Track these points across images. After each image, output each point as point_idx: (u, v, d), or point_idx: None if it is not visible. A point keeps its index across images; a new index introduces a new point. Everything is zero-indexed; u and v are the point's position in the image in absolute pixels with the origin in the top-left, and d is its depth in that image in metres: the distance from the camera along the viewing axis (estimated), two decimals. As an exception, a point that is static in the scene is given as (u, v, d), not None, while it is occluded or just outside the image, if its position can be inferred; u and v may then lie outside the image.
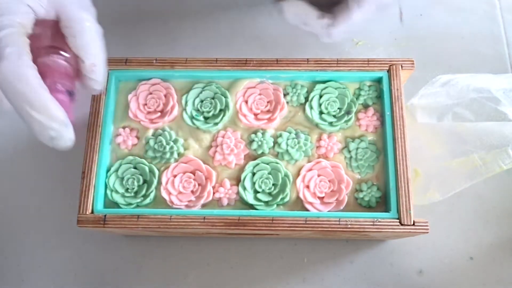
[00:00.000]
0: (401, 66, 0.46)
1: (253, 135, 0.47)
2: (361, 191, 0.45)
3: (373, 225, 0.42)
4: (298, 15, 0.44)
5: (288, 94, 0.48)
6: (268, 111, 0.48)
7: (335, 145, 0.46)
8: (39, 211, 0.57)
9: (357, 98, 0.48)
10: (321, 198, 0.45)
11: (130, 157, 0.47)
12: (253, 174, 0.46)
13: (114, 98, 0.48)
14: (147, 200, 0.45)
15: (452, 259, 0.53)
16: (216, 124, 0.47)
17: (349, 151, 0.46)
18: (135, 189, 0.46)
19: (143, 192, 0.45)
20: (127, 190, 0.46)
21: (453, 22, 0.63)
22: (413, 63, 0.47)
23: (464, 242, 0.54)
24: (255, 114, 0.48)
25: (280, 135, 0.47)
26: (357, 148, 0.46)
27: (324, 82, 0.48)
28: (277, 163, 0.46)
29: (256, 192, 0.45)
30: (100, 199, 0.45)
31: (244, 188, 0.45)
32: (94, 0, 0.66)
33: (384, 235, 0.46)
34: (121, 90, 0.49)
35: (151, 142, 0.47)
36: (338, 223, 0.42)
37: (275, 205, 0.45)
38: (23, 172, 0.58)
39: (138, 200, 0.45)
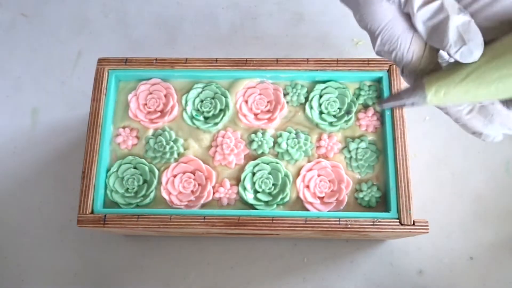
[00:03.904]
0: (401, 66, 0.46)
1: (253, 135, 0.47)
2: (361, 191, 0.45)
3: (373, 225, 0.42)
4: None
5: (288, 94, 0.48)
6: (268, 111, 0.48)
7: (335, 145, 0.46)
8: (39, 211, 0.57)
9: (357, 98, 0.48)
10: (321, 198, 0.45)
11: (130, 157, 0.47)
12: (253, 174, 0.46)
13: (114, 98, 0.48)
14: (147, 200, 0.45)
15: (452, 259, 0.53)
16: (216, 124, 0.47)
17: (349, 151, 0.46)
18: (135, 189, 0.46)
19: (143, 192, 0.45)
20: (127, 190, 0.46)
21: (453, 22, 0.63)
22: (413, 63, 0.47)
23: (464, 242, 0.54)
24: (255, 114, 0.48)
25: (280, 135, 0.47)
26: (357, 148, 0.46)
27: (324, 82, 0.48)
28: (277, 163, 0.46)
29: (256, 192, 0.45)
30: (100, 199, 0.45)
31: (244, 188, 0.45)
32: (94, 0, 0.67)
33: (384, 235, 0.46)
34: (121, 90, 0.49)
35: (151, 142, 0.47)
36: (338, 223, 0.42)
37: (275, 205, 0.45)
38: (23, 172, 0.59)
39: (138, 200, 0.45)
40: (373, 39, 0.30)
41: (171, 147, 0.47)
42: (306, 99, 0.48)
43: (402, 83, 0.46)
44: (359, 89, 0.48)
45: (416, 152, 0.56)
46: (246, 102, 0.48)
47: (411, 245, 0.53)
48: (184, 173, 0.46)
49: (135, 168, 0.47)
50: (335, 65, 0.47)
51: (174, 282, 0.54)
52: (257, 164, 0.46)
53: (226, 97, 0.48)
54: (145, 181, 0.46)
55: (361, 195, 0.45)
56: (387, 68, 0.47)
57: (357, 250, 0.54)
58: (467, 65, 0.26)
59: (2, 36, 0.66)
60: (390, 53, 0.29)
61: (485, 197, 0.55)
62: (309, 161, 0.46)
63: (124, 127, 0.48)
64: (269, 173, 0.46)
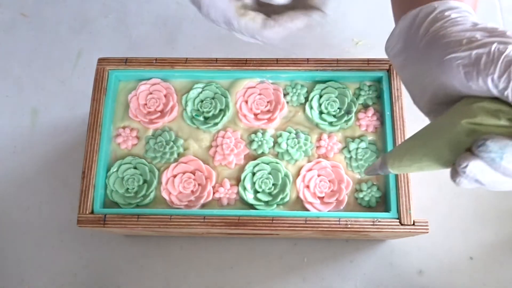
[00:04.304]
0: (401, 66, 0.46)
1: (253, 135, 0.47)
2: (361, 191, 0.45)
3: (373, 225, 0.42)
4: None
5: (288, 94, 0.48)
6: (268, 111, 0.48)
7: (335, 145, 0.46)
8: (39, 211, 0.57)
9: (357, 98, 0.48)
10: (321, 198, 0.45)
11: (130, 157, 0.47)
12: (253, 174, 0.46)
13: (114, 98, 0.48)
14: (147, 200, 0.45)
15: (452, 259, 0.53)
16: (216, 124, 0.47)
17: (349, 151, 0.46)
18: (135, 189, 0.46)
19: (143, 192, 0.45)
20: (127, 190, 0.46)
21: (453, 22, 0.63)
22: (413, 63, 0.47)
23: (464, 242, 0.54)
24: (255, 114, 0.48)
25: (280, 135, 0.47)
26: (357, 148, 0.46)
27: (324, 82, 0.48)
28: (277, 163, 0.46)
29: (256, 192, 0.45)
30: (100, 199, 0.45)
31: (244, 188, 0.45)
32: (94, 0, 0.67)
33: (384, 235, 0.46)
34: (121, 90, 0.49)
35: (151, 142, 0.47)
36: (338, 223, 0.42)
37: (275, 205, 0.45)
38: (23, 172, 0.58)
39: (138, 200, 0.45)
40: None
41: (171, 147, 0.47)
42: (306, 99, 0.48)
43: (402, 83, 0.46)
44: (359, 89, 0.48)
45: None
46: (246, 102, 0.48)
47: (411, 245, 0.53)
48: (184, 173, 0.46)
49: (135, 168, 0.47)
50: (335, 65, 0.47)
51: (174, 282, 0.54)
52: (257, 164, 0.46)
53: (226, 97, 0.48)
54: (145, 181, 0.46)
55: (361, 195, 0.45)
56: (387, 68, 0.47)
57: (357, 250, 0.54)
58: (404, 146, 0.32)
59: (2, 36, 0.66)
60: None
61: (485, 197, 0.55)
62: (309, 161, 0.46)
63: (124, 127, 0.48)
64: (269, 173, 0.46)
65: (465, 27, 0.31)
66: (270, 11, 0.39)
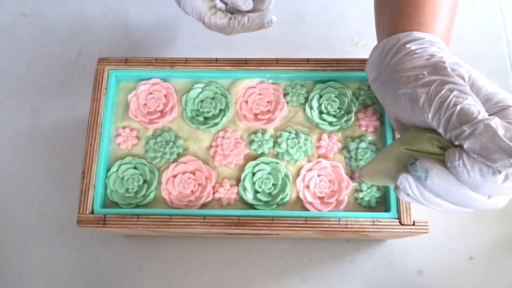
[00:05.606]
0: (401, 66, 0.46)
1: (253, 135, 0.47)
2: (361, 191, 0.45)
3: (373, 225, 0.42)
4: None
5: (288, 94, 0.48)
6: (268, 111, 0.48)
7: (335, 145, 0.46)
8: (39, 211, 0.57)
9: (357, 98, 0.48)
10: (321, 198, 0.45)
11: (130, 157, 0.47)
12: (253, 174, 0.46)
13: (114, 98, 0.48)
14: (147, 200, 0.45)
15: (452, 259, 0.53)
16: (216, 124, 0.47)
17: (349, 151, 0.46)
18: (135, 189, 0.46)
19: (143, 192, 0.45)
20: (127, 190, 0.46)
21: (453, 22, 0.63)
22: (413, 63, 0.46)
23: (464, 242, 0.54)
24: (255, 114, 0.48)
25: (280, 135, 0.47)
26: (357, 148, 0.46)
27: (324, 82, 0.48)
28: (277, 163, 0.46)
29: (256, 192, 0.45)
30: (100, 199, 0.45)
31: (244, 188, 0.45)
32: (94, 0, 0.67)
33: (384, 235, 0.46)
34: (121, 90, 0.49)
35: (151, 142, 0.47)
36: (338, 223, 0.42)
37: (275, 205, 0.45)
38: (23, 172, 0.59)
39: (138, 200, 0.45)
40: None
41: (171, 147, 0.47)
42: (306, 99, 0.48)
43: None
44: (359, 89, 0.48)
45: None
46: (246, 102, 0.48)
47: (411, 245, 0.53)
48: (184, 173, 0.46)
49: (135, 168, 0.47)
50: (335, 65, 0.47)
51: (174, 282, 0.54)
52: (257, 164, 0.46)
53: (226, 97, 0.48)
54: (145, 181, 0.46)
55: (361, 195, 0.45)
56: (387, 68, 0.47)
57: (357, 250, 0.54)
58: (371, 163, 0.38)
59: (2, 36, 0.66)
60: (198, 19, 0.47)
61: (485, 197, 0.55)
62: (309, 161, 0.46)
63: (124, 127, 0.48)
64: (269, 173, 0.46)
65: (420, 61, 0.34)
66: (235, 11, 0.48)
